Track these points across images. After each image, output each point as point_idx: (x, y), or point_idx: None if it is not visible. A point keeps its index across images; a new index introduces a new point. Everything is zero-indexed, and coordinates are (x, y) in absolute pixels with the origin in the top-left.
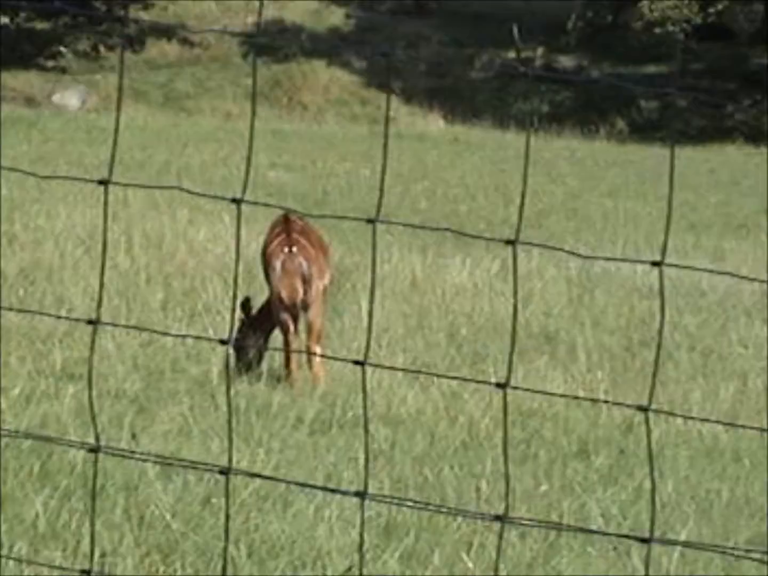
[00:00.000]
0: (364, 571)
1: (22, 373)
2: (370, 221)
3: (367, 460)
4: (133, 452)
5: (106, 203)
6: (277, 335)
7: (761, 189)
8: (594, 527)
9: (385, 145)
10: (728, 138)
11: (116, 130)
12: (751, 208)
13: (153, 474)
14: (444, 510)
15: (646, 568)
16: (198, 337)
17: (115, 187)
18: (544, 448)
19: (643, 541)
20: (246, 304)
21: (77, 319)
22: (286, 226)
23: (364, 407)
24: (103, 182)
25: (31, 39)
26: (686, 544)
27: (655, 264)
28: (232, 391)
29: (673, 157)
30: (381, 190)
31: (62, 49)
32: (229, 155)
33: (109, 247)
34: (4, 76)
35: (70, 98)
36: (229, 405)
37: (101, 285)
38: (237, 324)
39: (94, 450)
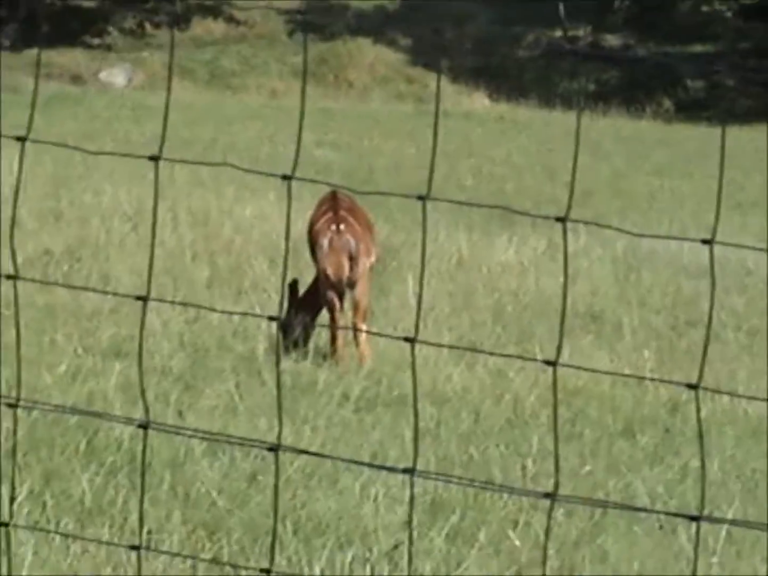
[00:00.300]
0: (411, 549)
1: (69, 350)
2: (420, 198)
3: (416, 437)
4: (181, 429)
5: (156, 179)
6: (323, 313)
7: None
8: (640, 506)
9: (436, 124)
10: None
11: (167, 107)
12: None
13: (199, 451)
14: (493, 487)
15: (696, 547)
16: (246, 314)
17: (160, 165)
18: (590, 427)
19: (692, 519)
20: (294, 287)
21: (126, 296)
22: (333, 203)
23: (414, 384)
24: (154, 158)
25: (77, 16)
26: (733, 523)
27: (705, 242)
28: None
29: (724, 137)
30: (432, 167)
31: (108, 27)
32: (275, 133)
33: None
34: (50, 53)
35: (116, 76)
36: (278, 382)
37: (151, 261)
38: (285, 305)
39: (144, 426)
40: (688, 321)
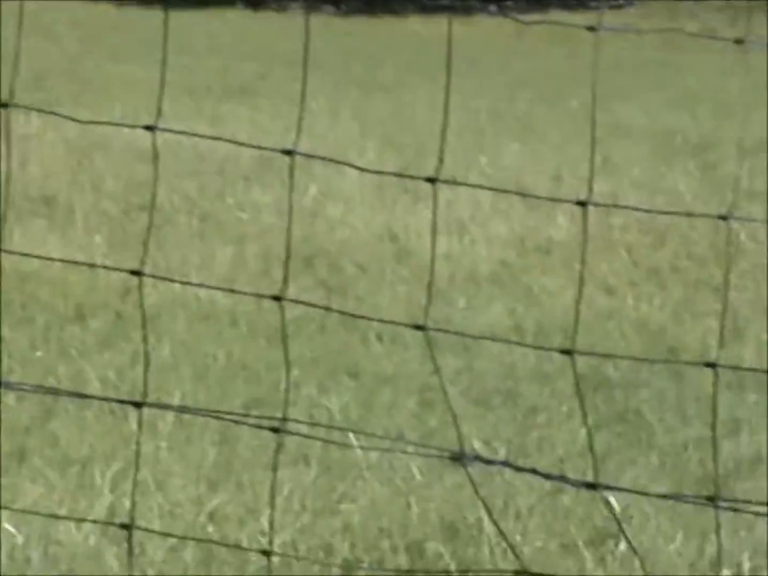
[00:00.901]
0: None
1: None
2: None
3: None
4: None
5: None
6: None
7: (260, 54)
8: (91, 392)
9: None
10: (228, 2)
11: None
12: (250, 73)
13: None
14: None
15: (139, 429)
16: None
17: None
18: (41, 312)
19: (136, 405)
20: None
21: None
22: None
23: None
24: None
25: None
26: (181, 410)
27: (147, 129)
28: None
29: (167, 21)
30: None
31: None
32: None
33: None
34: None
35: None
36: None
37: None
38: None
39: None
40: (140, 205)
